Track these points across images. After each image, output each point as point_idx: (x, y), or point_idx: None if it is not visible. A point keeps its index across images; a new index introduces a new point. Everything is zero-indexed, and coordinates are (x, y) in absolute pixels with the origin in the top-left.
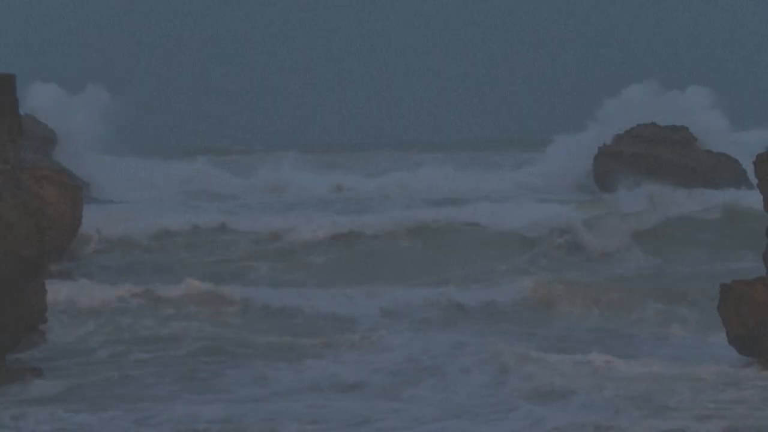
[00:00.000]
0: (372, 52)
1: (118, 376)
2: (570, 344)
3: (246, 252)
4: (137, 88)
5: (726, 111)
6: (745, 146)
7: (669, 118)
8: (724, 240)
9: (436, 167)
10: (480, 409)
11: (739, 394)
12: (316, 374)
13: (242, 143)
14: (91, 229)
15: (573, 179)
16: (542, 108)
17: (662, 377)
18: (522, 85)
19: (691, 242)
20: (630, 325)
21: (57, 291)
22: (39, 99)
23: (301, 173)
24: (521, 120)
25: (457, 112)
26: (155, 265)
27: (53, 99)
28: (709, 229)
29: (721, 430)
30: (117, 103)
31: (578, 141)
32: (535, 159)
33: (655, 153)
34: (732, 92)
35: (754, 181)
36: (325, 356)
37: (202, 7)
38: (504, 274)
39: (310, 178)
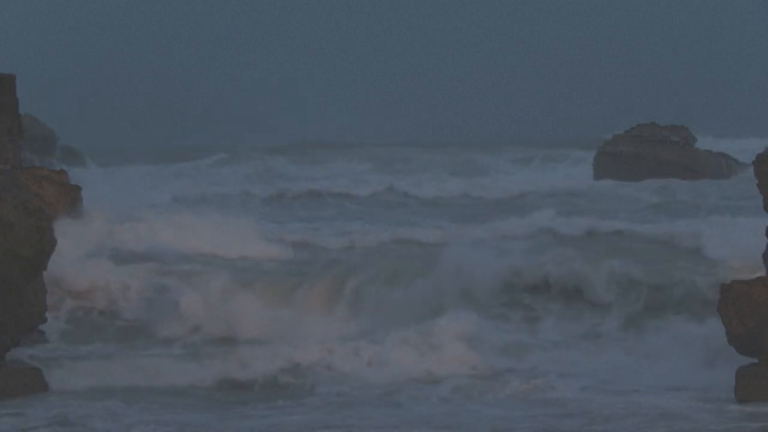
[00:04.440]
0: (373, 51)
1: None
2: None
3: None
4: (137, 88)
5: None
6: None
7: None
8: None
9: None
10: None
11: None
12: None
13: (242, 142)
14: None
15: None
16: (542, 108)
17: None
18: (522, 85)
19: None
20: None
21: None
22: None
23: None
24: (521, 120)
25: (458, 112)
26: None
27: None
28: None
29: None
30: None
31: None
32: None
33: (655, 153)
34: (732, 94)
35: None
36: None
37: (202, 7)
38: None
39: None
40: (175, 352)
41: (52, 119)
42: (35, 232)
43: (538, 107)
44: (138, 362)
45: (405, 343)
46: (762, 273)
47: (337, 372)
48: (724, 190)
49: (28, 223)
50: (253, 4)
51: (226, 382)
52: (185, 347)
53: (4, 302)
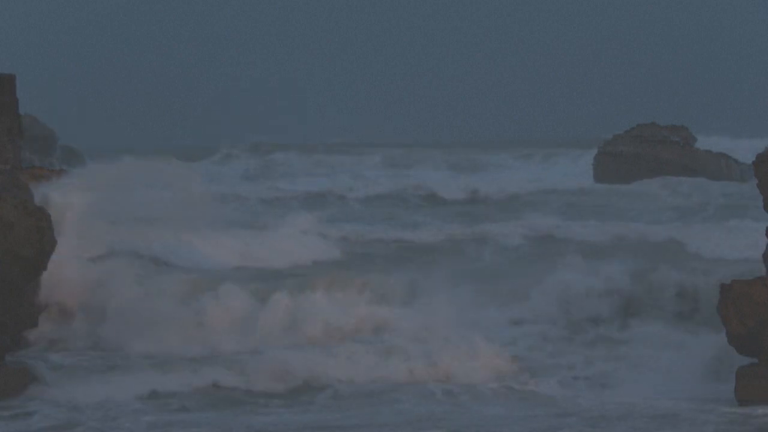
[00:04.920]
0: (373, 51)
1: None
2: None
3: None
4: (137, 88)
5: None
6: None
7: None
8: None
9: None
10: None
11: None
12: None
13: (242, 142)
14: None
15: None
16: (542, 108)
17: None
18: (522, 85)
19: None
20: None
21: None
22: None
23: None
24: (521, 120)
25: (458, 112)
26: None
27: None
28: None
29: None
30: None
31: None
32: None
33: (655, 153)
34: (732, 94)
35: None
36: None
37: (202, 7)
38: None
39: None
40: (174, 352)
41: (52, 119)
42: (35, 232)
43: (538, 107)
44: (138, 362)
45: (406, 342)
46: (762, 273)
47: (338, 372)
48: (724, 189)
49: (28, 223)
50: (253, 4)
51: (225, 382)
52: (184, 347)
53: (4, 302)
